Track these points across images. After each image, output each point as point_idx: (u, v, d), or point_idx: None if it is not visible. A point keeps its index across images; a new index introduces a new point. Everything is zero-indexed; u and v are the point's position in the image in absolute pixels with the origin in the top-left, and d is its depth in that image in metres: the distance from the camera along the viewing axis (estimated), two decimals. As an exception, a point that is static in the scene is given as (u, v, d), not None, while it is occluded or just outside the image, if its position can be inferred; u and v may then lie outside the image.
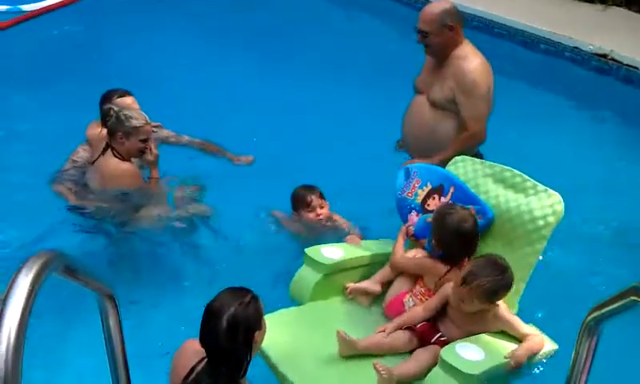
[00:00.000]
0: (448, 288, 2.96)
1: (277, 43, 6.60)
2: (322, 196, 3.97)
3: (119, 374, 2.33)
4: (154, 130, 4.15)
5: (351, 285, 3.26)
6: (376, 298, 3.28)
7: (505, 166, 3.32)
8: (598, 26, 6.80)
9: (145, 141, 3.80)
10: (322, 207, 3.92)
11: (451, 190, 3.25)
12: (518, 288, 3.02)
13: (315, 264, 3.28)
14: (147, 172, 3.96)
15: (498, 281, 2.79)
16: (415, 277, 3.23)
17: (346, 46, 6.57)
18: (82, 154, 4.06)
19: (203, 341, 2.40)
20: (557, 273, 3.55)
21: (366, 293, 3.24)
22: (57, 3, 7.23)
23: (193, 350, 2.48)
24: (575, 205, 3.48)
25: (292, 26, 7.06)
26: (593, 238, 4.05)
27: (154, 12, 7.20)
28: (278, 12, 7.42)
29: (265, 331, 2.49)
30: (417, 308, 3.03)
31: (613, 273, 3.61)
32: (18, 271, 1.51)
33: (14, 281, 1.50)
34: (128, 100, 4.02)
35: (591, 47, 6.39)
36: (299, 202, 3.92)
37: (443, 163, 3.54)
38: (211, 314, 2.36)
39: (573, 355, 2.32)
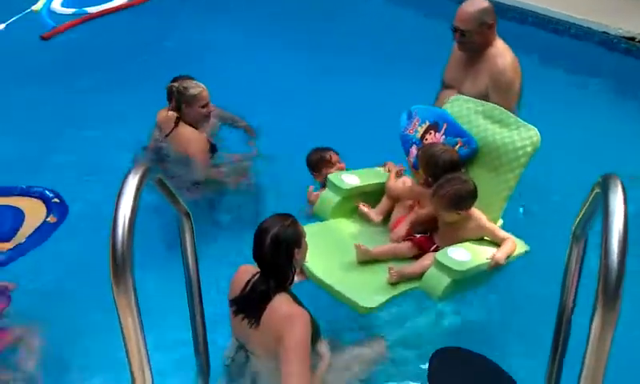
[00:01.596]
0: (431, 207, 3.48)
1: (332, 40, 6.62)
2: (336, 153, 4.16)
3: (192, 284, 2.72)
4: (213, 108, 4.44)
5: (361, 206, 3.74)
6: (385, 219, 3.75)
7: (493, 104, 3.77)
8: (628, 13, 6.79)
9: (205, 106, 4.19)
10: (340, 163, 4.10)
11: (444, 125, 3.68)
12: (501, 205, 3.57)
13: (335, 188, 3.80)
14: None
15: (458, 189, 3.30)
16: (412, 205, 3.67)
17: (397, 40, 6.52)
18: (156, 135, 4.40)
19: (255, 255, 2.79)
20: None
21: (369, 219, 3.72)
22: (119, 5, 7.45)
23: (247, 271, 2.89)
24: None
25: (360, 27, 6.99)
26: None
27: (207, 12, 7.33)
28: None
29: (305, 250, 2.88)
30: (408, 217, 3.54)
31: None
32: (128, 172, 1.95)
33: (125, 178, 1.93)
34: (190, 82, 4.25)
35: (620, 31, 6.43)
36: (320, 161, 4.06)
37: None
38: (259, 233, 2.77)
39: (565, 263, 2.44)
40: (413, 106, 3.89)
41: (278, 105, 5.36)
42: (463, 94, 3.94)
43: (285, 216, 2.86)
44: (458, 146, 3.61)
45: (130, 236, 1.88)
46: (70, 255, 3.82)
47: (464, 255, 3.27)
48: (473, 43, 3.94)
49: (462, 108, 3.80)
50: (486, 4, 3.93)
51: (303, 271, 3.32)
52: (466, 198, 3.34)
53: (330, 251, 3.53)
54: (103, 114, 5.30)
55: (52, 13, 7.30)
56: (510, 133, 3.59)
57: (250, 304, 2.80)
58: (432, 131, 3.73)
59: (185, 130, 4.20)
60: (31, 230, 3.89)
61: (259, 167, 4.46)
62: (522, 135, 3.56)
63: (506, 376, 2.65)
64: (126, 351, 2.00)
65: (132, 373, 2.03)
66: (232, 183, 4.30)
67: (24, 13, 7.21)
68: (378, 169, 4.00)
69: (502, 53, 3.96)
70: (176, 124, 4.21)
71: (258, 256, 2.79)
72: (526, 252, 3.48)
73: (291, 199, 4.11)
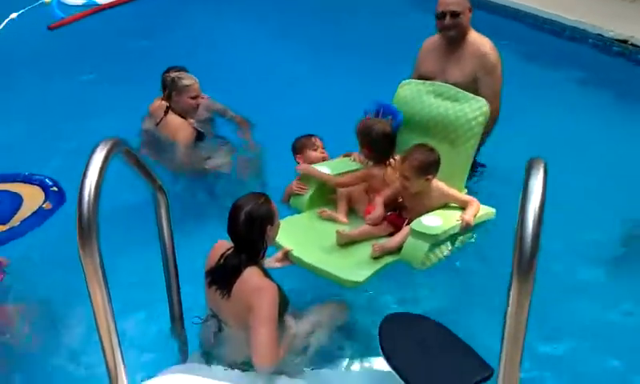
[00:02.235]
0: (396, 182, 3.64)
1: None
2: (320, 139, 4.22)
3: (168, 258, 2.92)
4: (203, 99, 4.59)
5: (325, 211, 3.81)
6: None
7: (440, 83, 3.95)
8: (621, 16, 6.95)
9: (194, 98, 4.38)
10: (323, 149, 4.18)
11: (381, 110, 3.87)
12: (463, 175, 3.80)
13: (308, 179, 3.90)
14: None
15: (427, 155, 3.48)
16: (365, 188, 3.80)
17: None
18: (147, 124, 4.56)
19: (229, 230, 2.91)
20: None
21: (338, 221, 3.78)
22: None
23: (223, 245, 3.00)
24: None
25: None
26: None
27: (215, 4, 7.49)
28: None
29: (277, 227, 3.01)
30: (378, 199, 3.67)
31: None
32: (95, 147, 2.09)
33: (94, 150, 2.07)
34: (183, 74, 4.48)
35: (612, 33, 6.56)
36: (304, 144, 4.16)
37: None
38: (234, 209, 2.90)
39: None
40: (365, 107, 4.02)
41: (280, 97, 5.48)
42: (448, 81, 4.01)
43: (259, 194, 2.99)
44: (390, 122, 3.82)
45: (95, 203, 2.00)
46: (64, 241, 4.02)
47: (436, 221, 3.43)
48: (461, 26, 4.03)
49: (412, 90, 3.99)
50: None
51: (288, 257, 3.44)
52: (433, 164, 3.50)
53: (312, 238, 3.63)
54: (106, 104, 5.46)
55: (62, 4, 7.48)
56: (462, 106, 3.79)
57: (222, 276, 2.91)
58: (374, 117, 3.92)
59: (173, 118, 4.39)
60: (26, 215, 3.95)
61: (251, 156, 4.55)
62: (473, 107, 3.76)
63: (455, 337, 2.73)
64: (93, 313, 2.14)
65: (99, 334, 2.18)
66: (226, 169, 4.42)
67: (36, 4, 7.42)
68: (344, 159, 4.10)
69: (481, 37, 4.09)
70: (166, 112, 4.40)
71: (232, 231, 2.91)
72: (492, 215, 3.65)
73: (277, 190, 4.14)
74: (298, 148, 4.21)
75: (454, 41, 4.10)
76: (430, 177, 3.53)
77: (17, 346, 3.32)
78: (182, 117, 4.43)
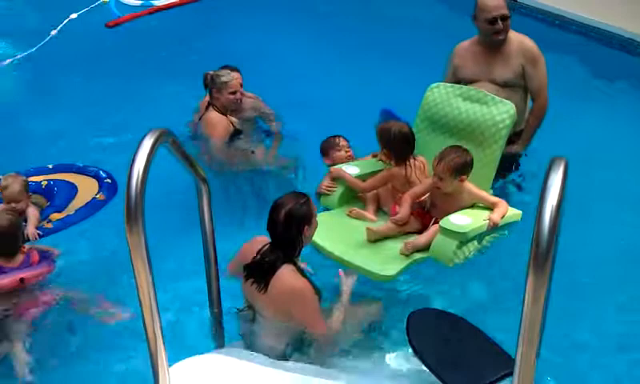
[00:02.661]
0: (427, 181, 3.75)
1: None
2: (346, 140, 4.34)
3: (208, 247, 3.03)
4: (250, 98, 4.79)
5: (354, 210, 3.92)
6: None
7: (468, 86, 4.03)
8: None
9: (234, 93, 4.49)
10: (348, 149, 4.30)
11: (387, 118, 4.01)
12: (490, 176, 3.86)
13: (338, 179, 4.02)
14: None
15: (463, 156, 3.56)
16: (392, 188, 3.90)
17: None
18: (195, 119, 4.76)
19: (268, 227, 3.02)
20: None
21: (367, 219, 3.88)
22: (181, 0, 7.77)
23: (260, 241, 3.11)
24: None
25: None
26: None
27: (267, 9, 7.57)
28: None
29: (315, 228, 3.11)
30: (405, 196, 3.74)
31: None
32: (144, 135, 2.22)
33: (142, 139, 2.19)
34: (235, 74, 4.61)
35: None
36: (329, 146, 4.30)
37: (527, 141, 4.27)
38: (275, 207, 3.00)
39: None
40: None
41: (311, 96, 5.58)
42: (496, 81, 4.15)
43: (300, 194, 3.09)
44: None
45: (142, 187, 2.13)
46: (114, 231, 4.19)
47: (465, 220, 3.50)
48: (508, 28, 4.14)
49: (441, 93, 4.07)
50: None
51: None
52: (467, 165, 3.58)
53: (343, 234, 3.73)
54: (158, 100, 5.60)
55: (120, 4, 7.69)
56: (489, 109, 3.86)
57: (259, 271, 3.03)
58: None
59: (211, 114, 4.54)
60: (80, 205, 4.10)
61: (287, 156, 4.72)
62: (500, 110, 3.83)
63: (482, 334, 2.80)
64: (137, 294, 2.26)
65: (142, 314, 2.29)
66: (261, 166, 4.57)
67: (95, 4, 7.65)
68: (371, 159, 4.21)
69: (518, 34, 4.19)
70: (206, 108, 4.57)
71: (271, 228, 3.01)
72: (519, 217, 3.70)
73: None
74: (324, 150, 4.35)
75: (491, 44, 4.19)
76: (463, 177, 3.60)
77: (59, 332, 3.49)
78: (223, 113, 4.56)
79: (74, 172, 4.43)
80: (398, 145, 3.84)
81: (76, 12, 7.47)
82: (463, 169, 3.59)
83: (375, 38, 6.82)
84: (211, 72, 4.55)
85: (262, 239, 3.13)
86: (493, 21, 4.12)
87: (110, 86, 5.94)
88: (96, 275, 3.83)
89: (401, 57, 6.22)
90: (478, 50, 4.28)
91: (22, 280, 3.47)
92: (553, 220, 1.90)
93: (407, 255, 3.55)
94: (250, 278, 3.08)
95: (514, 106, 3.84)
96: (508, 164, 4.28)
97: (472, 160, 3.63)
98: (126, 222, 2.17)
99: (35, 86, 6.15)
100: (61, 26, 7.13)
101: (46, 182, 4.30)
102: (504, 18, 4.13)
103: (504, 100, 3.88)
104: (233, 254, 3.28)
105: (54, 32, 6.98)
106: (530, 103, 4.38)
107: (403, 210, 3.72)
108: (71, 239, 3.92)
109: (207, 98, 4.64)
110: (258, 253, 3.08)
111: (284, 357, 3.00)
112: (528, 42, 4.21)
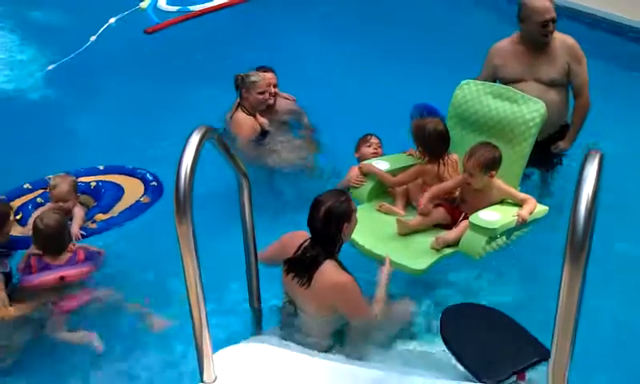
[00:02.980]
0: (457, 177, 3.82)
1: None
2: (378, 138, 4.43)
3: (248, 239, 3.13)
4: (286, 99, 4.92)
5: (384, 205, 3.99)
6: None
7: (499, 84, 4.09)
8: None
9: (262, 93, 4.56)
10: (378, 147, 4.39)
11: (424, 112, 4.11)
12: (519, 173, 3.90)
13: (369, 174, 4.08)
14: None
15: (492, 152, 3.62)
16: (422, 183, 3.97)
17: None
18: (227, 117, 4.78)
19: (308, 223, 3.09)
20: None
21: (396, 213, 3.94)
22: (219, 5, 7.86)
23: (301, 236, 3.19)
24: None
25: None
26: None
27: (300, 13, 7.61)
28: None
29: (354, 226, 3.16)
30: (433, 188, 3.83)
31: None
32: (193, 131, 2.36)
33: (190, 135, 2.32)
34: (268, 74, 4.74)
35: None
36: (360, 142, 4.42)
37: (573, 139, 4.30)
38: (315, 204, 3.07)
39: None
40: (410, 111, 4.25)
41: (348, 100, 5.63)
42: (541, 80, 4.19)
43: (341, 192, 3.20)
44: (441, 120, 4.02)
45: (190, 179, 2.23)
46: (159, 234, 4.06)
47: (494, 216, 3.58)
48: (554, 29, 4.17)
49: (471, 91, 4.12)
50: None
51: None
52: (497, 161, 3.65)
53: (373, 227, 3.79)
54: (195, 103, 5.67)
55: (157, 10, 7.82)
56: (520, 107, 3.90)
57: (300, 266, 3.10)
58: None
59: (238, 114, 4.64)
60: (125, 207, 4.23)
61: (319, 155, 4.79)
62: (531, 108, 3.87)
63: (517, 326, 2.86)
64: (185, 282, 2.35)
65: (189, 303, 2.41)
66: (287, 166, 4.62)
67: (132, 9, 7.80)
68: (402, 154, 4.27)
69: (559, 33, 4.23)
70: (236, 108, 4.67)
71: (311, 224, 3.08)
72: (545, 212, 3.76)
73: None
74: (357, 144, 4.46)
75: (534, 44, 4.22)
76: (493, 173, 3.66)
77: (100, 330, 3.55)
78: (251, 113, 4.63)
79: (124, 174, 4.53)
80: (433, 142, 3.91)
81: (114, 16, 7.58)
82: (493, 164, 3.64)
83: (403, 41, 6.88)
84: (242, 74, 4.66)
85: (303, 234, 3.19)
86: (545, 24, 4.16)
87: (148, 90, 6.05)
88: (137, 277, 3.91)
89: (430, 59, 6.27)
90: (520, 50, 4.28)
91: (62, 278, 3.57)
92: (588, 211, 1.93)
93: (438, 250, 3.61)
94: (291, 273, 3.15)
95: (544, 104, 3.89)
96: (552, 160, 4.38)
97: (501, 156, 3.68)
98: (176, 213, 2.28)
99: (77, 89, 6.27)
100: (100, 31, 7.26)
101: (94, 183, 4.41)
102: (554, 21, 4.17)
103: (534, 98, 3.92)
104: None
105: (93, 38, 7.13)
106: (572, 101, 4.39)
107: (424, 199, 3.80)
108: (120, 239, 4.03)
109: (239, 99, 4.74)
110: (299, 247, 3.15)
111: (325, 351, 3.06)
112: (570, 40, 4.25)
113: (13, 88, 6.41)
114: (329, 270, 3.04)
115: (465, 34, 6.59)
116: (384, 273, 3.28)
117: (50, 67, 6.67)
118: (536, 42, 4.22)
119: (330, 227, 3.06)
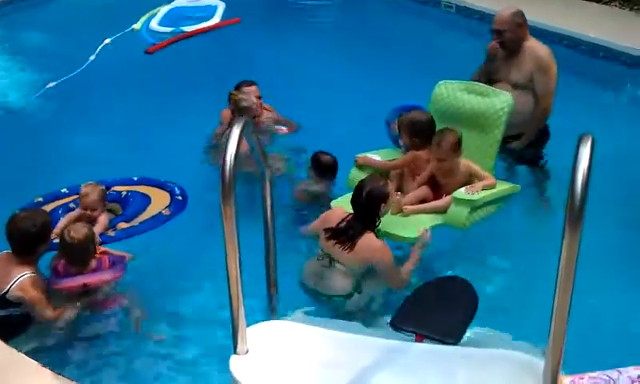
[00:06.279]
0: (424, 172, 4.17)
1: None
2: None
3: (268, 226, 3.31)
4: (267, 111, 5.01)
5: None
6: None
7: (471, 81, 4.43)
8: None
9: (255, 116, 4.74)
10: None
11: (402, 112, 4.41)
12: (492, 155, 4.27)
13: (362, 166, 4.26)
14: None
15: (455, 135, 4.00)
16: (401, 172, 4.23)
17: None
18: (218, 129, 4.95)
19: (352, 201, 3.57)
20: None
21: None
22: (211, 26, 8.10)
23: (342, 211, 3.66)
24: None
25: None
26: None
27: (291, 33, 7.89)
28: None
29: (389, 205, 3.66)
30: (410, 196, 4.15)
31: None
32: (234, 123, 2.52)
33: (231, 128, 2.50)
34: (252, 88, 4.87)
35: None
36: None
37: (528, 140, 4.64)
38: (359, 187, 3.52)
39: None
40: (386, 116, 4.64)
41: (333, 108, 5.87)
42: (511, 81, 4.54)
43: (380, 178, 3.67)
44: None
45: (234, 166, 2.37)
46: (183, 245, 4.27)
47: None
48: (509, 40, 4.50)
49: (447, 88, 4.42)
50: (515, 9, 4.51)
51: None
52: (460, 141, 3.97)
53: None
54: (195, 118, 5.75)
55: (151, 31, 7.79)
56: (491, 99, 4.21)
57: (343, 235, 3.58)
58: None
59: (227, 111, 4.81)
60: (147, 217, 4.19)
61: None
62: (501, 99, 4.18)
63: (470, 300, 3.30)
64: (226, 260, 2.49)
65: (228, 273, 2.55)
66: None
67: (126, 30, 7.80)
68: (388, 149, 4.56)
69: (537, 44, 4.49)
70: (229, 125, 4.89)
71: (355, 202, 3.55)
72: (518, 189, 4.38)
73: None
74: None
75: (508, 50, 4.61)
76: (459, 152, 3.93)
77: (123, 332, 3.62)
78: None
79: (155, 186, 4.49)
80: (424, 129, 4.20)
81: (109, 37, 7.59)
82: (459, 144, 3.95)
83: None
84: (234, 93, 4.84)
85: (340, 210, 3.69)
86: (492, 31, 4.55)
87: (146, 107, 6.15)
88: (161, 283, 3.99)
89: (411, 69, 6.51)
90: (502, 54, 4.59)
91: (84, 284, 3.56)
92: (584, 182, 2.08)
93: (425, 221, 3.99)
94: (332, 240, 3.59)
95: (511, 96, 4.22)
96: (530, 160, 4.75)
97: (461, 135, 4.02)
98: (221, 196, 2.45)
99: (76, 108, 6.32)
100: (97, 51, 7.24)
101: (125, 193, 4.37)
102: (495, 32, 4.50)
103: (504, 91, 4.23)
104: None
105: (92, 57, 7.14)
106: None
107: (408, 210, 4.16)
108: (149, 247, 4.07)
109: (229, 112, 4.99)
110: (342, 220, 3.62)
111: (350, 295, 3.65)
112: (541, 51, 4.44)
113: (16, 107, 6.46)
114: (371, 239, 3.54)
115: (446, 52, 6.85)
116: (422, 241, 3.74)
117: (51, 84, 6.65)
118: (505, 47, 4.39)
119: (369, 205, 3.54)
